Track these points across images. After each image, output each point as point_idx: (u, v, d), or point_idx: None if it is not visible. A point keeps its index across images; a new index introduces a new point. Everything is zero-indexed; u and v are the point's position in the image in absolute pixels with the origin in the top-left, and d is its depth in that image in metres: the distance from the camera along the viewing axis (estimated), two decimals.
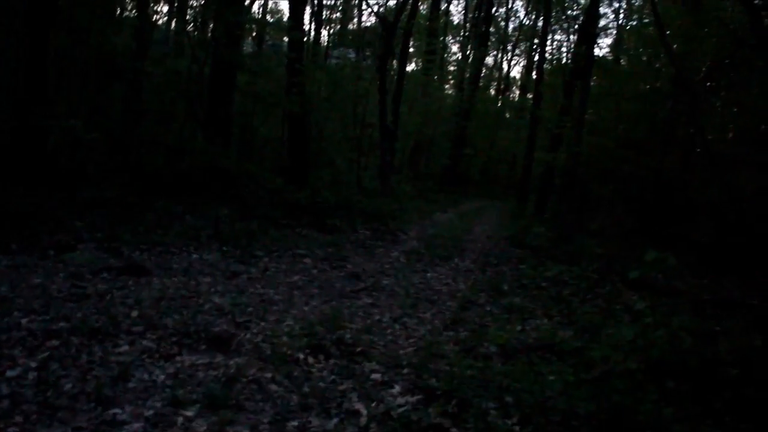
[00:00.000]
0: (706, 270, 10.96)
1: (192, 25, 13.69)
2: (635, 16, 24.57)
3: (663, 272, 7.31)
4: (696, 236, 15.01)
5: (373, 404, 4.08)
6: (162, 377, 4.09)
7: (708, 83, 16.49)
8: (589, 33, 18.22)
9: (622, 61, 24.28)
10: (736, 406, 4.13)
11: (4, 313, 4.88)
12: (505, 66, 45.53)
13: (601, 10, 28.62)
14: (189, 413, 3.64)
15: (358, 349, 5.11)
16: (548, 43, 31.02)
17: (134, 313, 5.20)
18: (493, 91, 44.13)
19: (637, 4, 26.44)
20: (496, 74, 45.15)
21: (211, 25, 13.15)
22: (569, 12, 30.08)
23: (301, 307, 6.29)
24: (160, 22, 16.32)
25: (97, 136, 9.75)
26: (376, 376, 4.61)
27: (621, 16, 29.74)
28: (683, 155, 16.47)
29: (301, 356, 4.80)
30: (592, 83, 16.82)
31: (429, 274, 9.00)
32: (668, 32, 14.81)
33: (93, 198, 8.95)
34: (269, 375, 4.34)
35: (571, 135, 15.36)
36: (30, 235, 7.13)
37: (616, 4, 30.83)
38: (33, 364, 4.02)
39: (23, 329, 4.58)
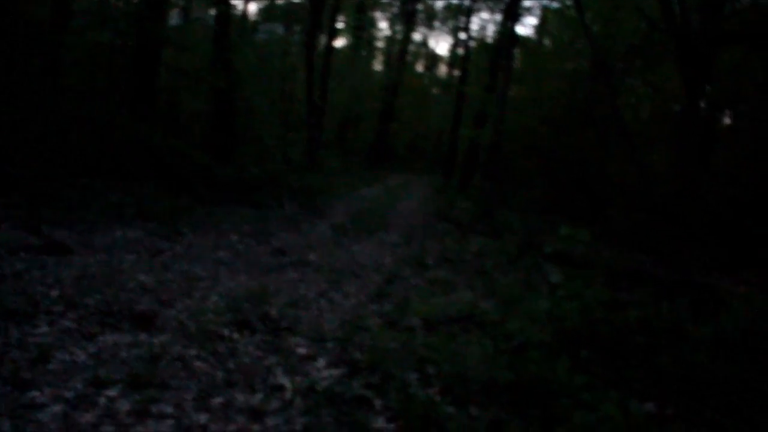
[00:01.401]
0: (619, 244, 11.47)
1: None
2: None
3: (578, 245, 7.64)
4: (609, 212, 15.65)
5: (298, 378, 4.16)
6: (83, 357, 4.05)
7: (624, 65, 17.08)
8: (513, 12, 18.56)
9: (545, 41, 24.84)
10: (645, 373, 4.42)
11: None
12: (432, 43, 45.80)
13: None
14: (112, 393, 3.62)
15: (284, 325, 5.18)
16: (474, 21, 31.38)
17: (54, 293, 5.09)
18: (420, 68, 44.34)
19: None
20: (423, 51, 45.34)
21: None
22: None
23: (227, 283, 6.29)
24: None
25: (12, 110, 9.33)
26: (301, 350, 4.69)
27: None
28: (600, 134, 17.06)
29: (227, 332, 4.83)
30: (516, 62, 17.17)
31: (355, 249, 9.11)
32: (588, 14, 15.25)
33: (9, 176, 8.61)
34: (194, 352, 4.36)
35: (496, 112, 15.68)
36: None
37: None
38: None
39: None
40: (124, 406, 3.50)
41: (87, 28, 11.76)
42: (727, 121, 18.26)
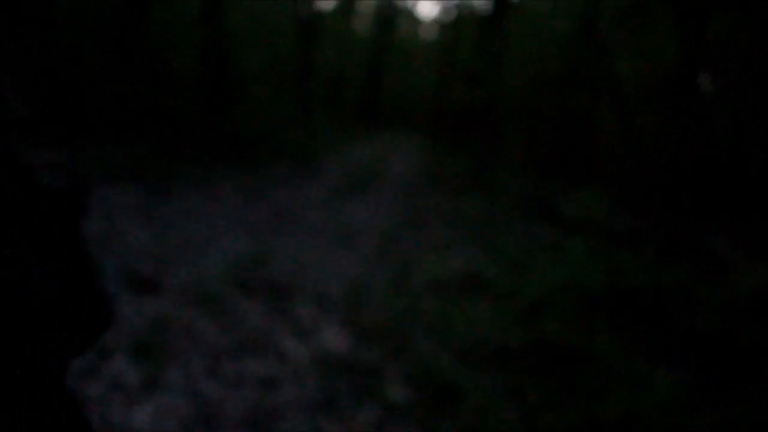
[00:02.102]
0: (610, 205, 11.39)
1: None
2: None
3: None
4: (599, 173, 15.56)
5: (308, 345, 4.04)
6: None
7: (614, 26, 16.80)
8: None
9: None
10: (660, 338, 4.34)
11: None
12: (419, 2, 45.08)
13: None
14: (118, 362, 3.48)
15: (288, 288, 5.04)
16: None
17: None
18: (407, 28, 43.69)
19: None
20: (411, 10, 44.66)
21: None
22: None
23: (226, 245, 6.11)
24: None
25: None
26: (308, 315, 4.56)
27: None
28: (590, 95, 16.85)
29: (230, 297, 4.68)
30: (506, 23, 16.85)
31: (350, 208, 8.95)
32: None
33: None
34: (199, 318, 4.21)
35: (488, 73, 15.44)
36: None
37: None
38: None
39: None
40: (131, 375, 3.36)
41: None
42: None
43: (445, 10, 34.94)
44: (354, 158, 15.45)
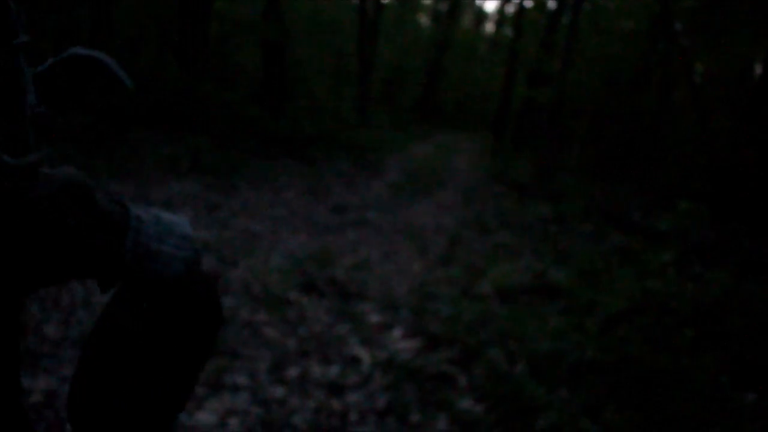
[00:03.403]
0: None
1: None
2: None
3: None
4: (670, 179, 14.96)
5: (374, 350, 3.90)
6: None
7: (691, 24, 16.15)
8: None
9: None
10: (745, 357, 4.03)
11: None
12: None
13: None
14: None
15: (352, 289, 4.91)
16: None
17: None
18: (467, 24, 43.18)
19: None
20: (472, 7, 44.13)
21: None
22: None
23: (288, 242, 6.04)
24: None
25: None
26: (373, 318, 4.43)
27: None
28: (660, 97, 16.25)
29: (294, 296, 4.58)
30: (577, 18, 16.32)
31: (413, 208, 8.80)
32: None
33: (61, 129, 8.42)
34: (263, 318, 4.12)
35: (556, 71, 15.05)
36: None
37: None
38: None
39: None
40: None
41: None
42: None
43: (507, 1, 34.47)
44: (415, 157, 15.28)
